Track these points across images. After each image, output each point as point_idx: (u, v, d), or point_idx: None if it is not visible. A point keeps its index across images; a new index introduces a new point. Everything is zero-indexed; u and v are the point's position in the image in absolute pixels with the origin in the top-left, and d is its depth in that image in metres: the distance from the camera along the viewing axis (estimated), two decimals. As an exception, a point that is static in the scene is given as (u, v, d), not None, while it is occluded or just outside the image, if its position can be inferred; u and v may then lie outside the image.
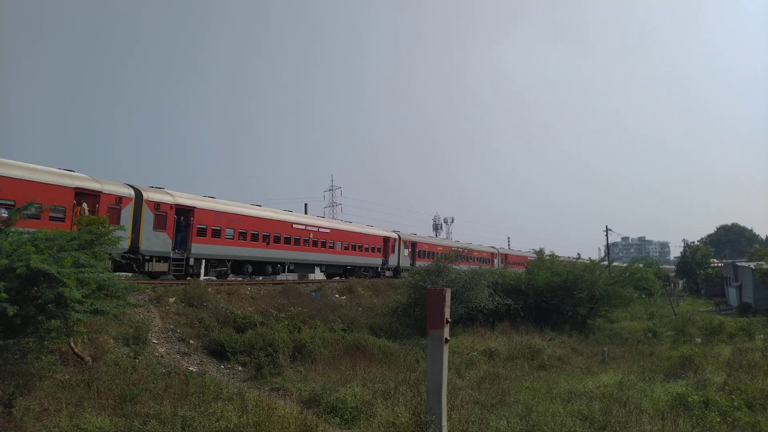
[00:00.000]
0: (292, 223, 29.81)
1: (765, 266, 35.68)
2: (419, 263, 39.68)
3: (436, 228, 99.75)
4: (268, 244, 27.51)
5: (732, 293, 44.06)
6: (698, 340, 22.15)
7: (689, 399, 10.61)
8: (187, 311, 16.60)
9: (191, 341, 14.91)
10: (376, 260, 38.32)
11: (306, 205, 55.08)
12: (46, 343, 10.05)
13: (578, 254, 33.47)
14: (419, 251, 43.23)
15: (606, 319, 28.69)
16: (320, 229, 32.38)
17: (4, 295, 7.99)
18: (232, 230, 25.30)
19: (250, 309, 18.70)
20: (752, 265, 39.56)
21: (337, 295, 25.44)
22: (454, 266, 23.89)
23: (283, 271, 29.35)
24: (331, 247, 33.02)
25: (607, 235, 65.17)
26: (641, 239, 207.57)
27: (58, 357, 10.72)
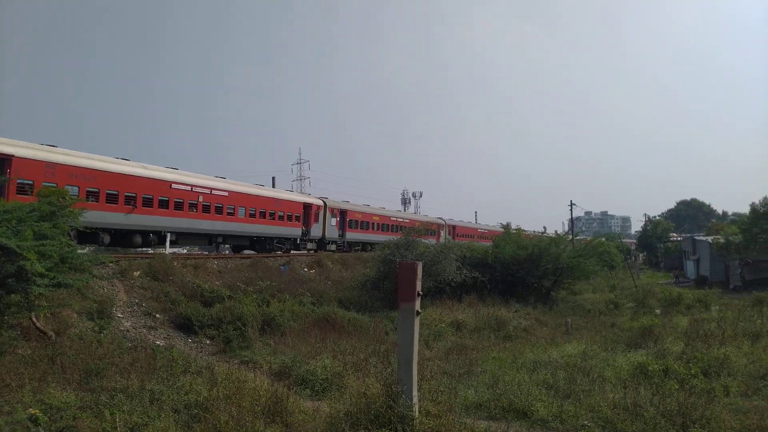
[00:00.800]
0: (171, 183, 23.69)
1: (721, 240, 37.01)
2: (352, 235, 37.99)
3: (405, 202, 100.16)
4: (134, 207, 21.48)
5: (690, 266, 45.62)
6: (658, 311, 22.89)
7: (649, 368, 10.96)
8: (153, 285, 16.33)
9: (157, 315, 14.71)
10: (294, 230, 32.50)
11: (273, 178, 54.41)
12: (6, 318, 9.76)
13: (544, 228, 34.12)
14: (351, 221, 38.02)
15: (569, 291, 29.43)
16: (213, 191, 25.96)
17: (-40, 268, 7.70)
18: (77, 189, 18.82)
19: (218, 283, 18.53)
20: (709, 239, 41.00)
21: (305, 269, 25.38)
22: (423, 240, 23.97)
23: (160, 243, 23.25)
24: (230, 214, 26.93)
25: (571, 210, 66.44)
26: (604, 214, 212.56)
27: (19, 332, 10.45)
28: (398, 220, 45.32)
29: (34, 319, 10.82)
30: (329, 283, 23.63)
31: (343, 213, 37.68)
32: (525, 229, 34.41)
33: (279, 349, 13.24)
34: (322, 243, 34.95)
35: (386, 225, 42.91)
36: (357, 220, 39.28)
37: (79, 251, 11.01)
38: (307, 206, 33.76)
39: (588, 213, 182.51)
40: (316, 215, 34.62)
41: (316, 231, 34.54)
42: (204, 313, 14.94)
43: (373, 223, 41.33)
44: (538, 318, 21.05)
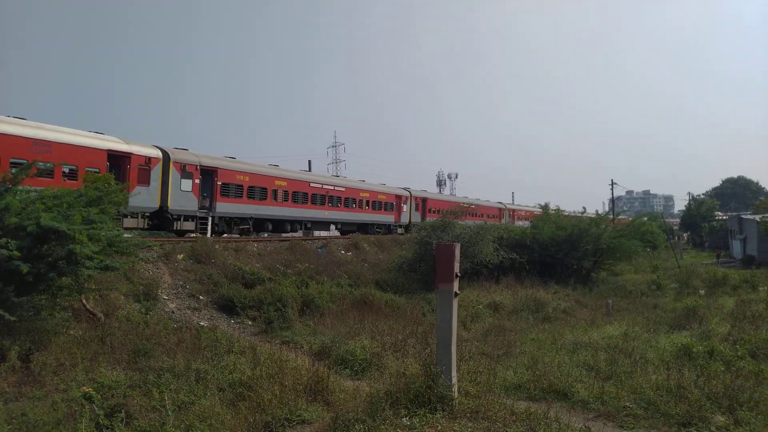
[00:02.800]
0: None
1: (770, 218, 35.64)
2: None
3: (440, 184, 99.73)
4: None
5: (736, 246, 44.18)
6: (702, 292, 22.30)
7: (694, 349, 10.72)
8: (196, 268, 16.75)
9: (201, 297, 15.10)
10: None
11: (309, 162, 54.89)
12: (58, 300, 10.17)
13: (584, 208, 33.39)
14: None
15: (610, 272, 28.88)
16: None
17: (16, 253, 8.04)
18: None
19: (258, 265, 18.85)
20: (757, 217, 39.51)
21: (342, 252, 25.59)
22: (460, 222, 24.00)
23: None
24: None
25: (612, 189, 64.84)
26: (646, 193, 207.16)
27: (71, 314, 10.88)
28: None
29: (84, 301, 11.26)
30: (366, 265, 23.77)
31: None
32: (564, 209, 33.82)
33: (318, 329, 13.45)
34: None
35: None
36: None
37: (126, 235, 11.34)
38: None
39: (629, 192, 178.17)
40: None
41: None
42: (245, 294, 15.26)
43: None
44: (577, 299, 20.76)
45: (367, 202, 36.06)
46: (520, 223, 48.14)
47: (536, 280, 22.94)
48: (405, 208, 39.88)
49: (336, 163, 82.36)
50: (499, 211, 55.03)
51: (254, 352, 9.89)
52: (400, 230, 38.17)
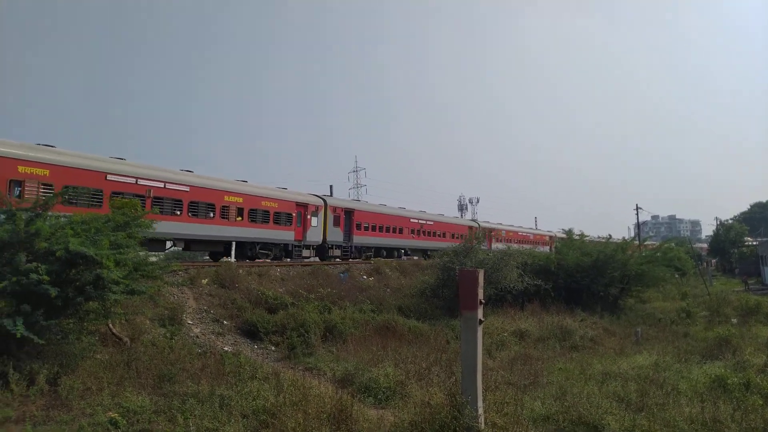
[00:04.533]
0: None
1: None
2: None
3: (461, 209, 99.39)
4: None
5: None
6: (734, 320, 21.67)
7: (729, 381, 10.38)
8: (220, 292, 16.84)
9: (225, 322, 15.15)
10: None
11: (331, 187, 55.13)
12: (85, 324, 10.28)
13: (609, 235, 32.83)
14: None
15: (638, 300, 28.27)
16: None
17: (45, 277, 8.18)
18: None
19: (281, 290, 18.90)
20: (790, 243, 38.45)
21: (365, 276, 25.53)
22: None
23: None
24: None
25: (637, 214, 63.91)
26: (671, 218, 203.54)
27: (97, 338, 10.97)
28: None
29: (110, 325, 11.36)
30: (388, 290, 23.66)
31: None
32: (588, 234, 33.33)
33: (341, 356, 13.36)
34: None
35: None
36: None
37: (151, 259, 11.48)
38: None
39: (655, 217, 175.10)
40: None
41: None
42: (268, 319, 15.27)
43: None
44: (605, 327, 20.31)
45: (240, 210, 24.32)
46: (499, 246, 40.20)
47: (562, 306, 22.54)
48: (315, 221, 29.42)
49: (357, 187, 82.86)
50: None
51: (278, 378, 9.85)
52: (306, 252, 28.93)
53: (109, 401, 8.05)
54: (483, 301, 7.36)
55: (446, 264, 21.73)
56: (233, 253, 25.36)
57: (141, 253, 10.84)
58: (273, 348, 14.31)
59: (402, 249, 38.30)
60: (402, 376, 10.60)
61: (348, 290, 21.01)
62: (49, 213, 9.88)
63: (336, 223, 30.96)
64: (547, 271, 25.03)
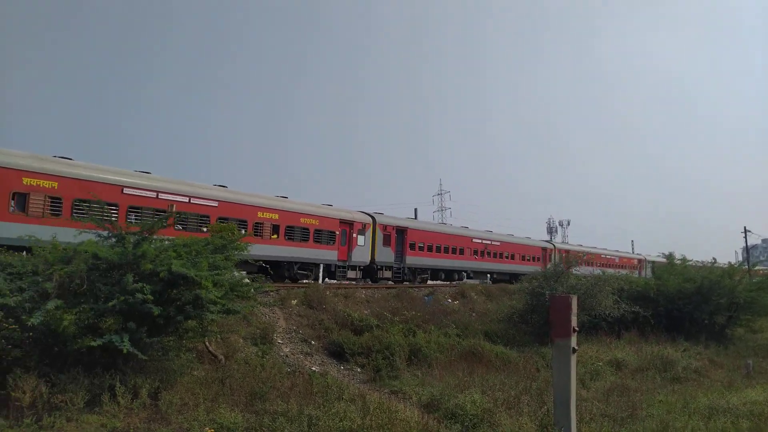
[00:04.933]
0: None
1: None
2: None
3: (551, 231, 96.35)
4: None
5: None
6: None
7: None
8: (308, 313, 17.26)
9: (312, 342, 15.47)
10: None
11: (416, 210, 55.51)
12: (184, 341, 10.84)
13: (714, 258, 30.55)
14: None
15: (748, 329, 25.97)
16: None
17: (150, 297, 8.71)
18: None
19: (366, 312, 19.08)
20: None
21: (449, 300, 25.27)
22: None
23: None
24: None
25: (745, 237, 59.41)
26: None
27: (194, 355, 11.52)
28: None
29: (207, 343, 11.91)
30: (474, 314, 23.25)
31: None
32: (690, 258, 31.20)
33: (426, 380, 13.22)
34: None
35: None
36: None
37: (246, 281, 11.96)
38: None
39: (766, 240, 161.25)
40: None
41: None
42: (354, 341, 15.43)
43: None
44: (711, 358, 18.85)
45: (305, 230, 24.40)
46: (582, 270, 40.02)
47: (662, 335, 21.18)
48: (362, 240, 27.65)
49: (441, 210, 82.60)
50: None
51: (364, 400, 9.88)
52: (351, 273, 27.18)
53: (204, 417, 8.40)
54: (576, 328, 7.06)
55: (535, 289, 21.05)
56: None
57: (236, 275, 11.33)
58: (359, 369, 14.41)
59: (463, 271, 35.54)
60: (490, 404, 10.31)
61: (432, 313, 20.86)
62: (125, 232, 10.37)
63: (386, 242, 28.89)
64: (646, 297, 23.67)
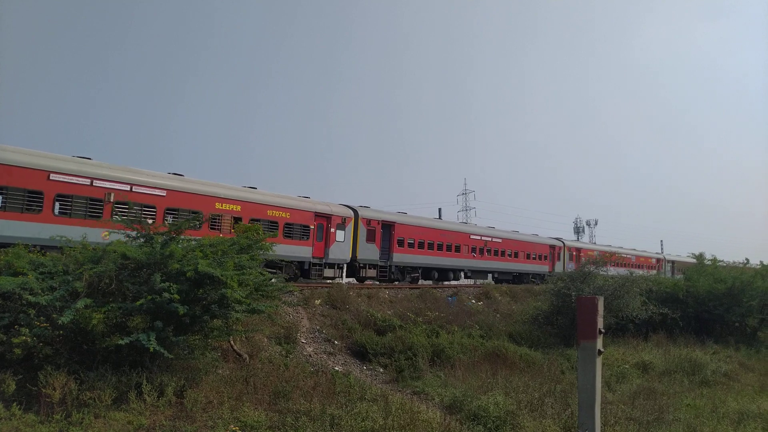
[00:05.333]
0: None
1: None
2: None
3: (578, 231, 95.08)
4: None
5: None
6: None
7: None
8: (332, 313, 17.33)
9: (336, 342, 15.53)
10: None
11: (440, 210, 55.38)
12: (209, 340, 10.98)
13: (746, 259, 29.83)
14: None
15: (782, 332, 25.37)
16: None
17: (176, 296, 8.86)
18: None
19: (389, 312, 19.08)
20: None
21: (473, 301, 25.13)
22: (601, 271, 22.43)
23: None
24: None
25: (779, 237, 57.63)
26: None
27: (219, 354, 11.68)
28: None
29: (232, 342, 12.06)
30: (498, 315, 23.09)
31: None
32: (721, 259, 30.51)
33: (449, 381, 13.17)
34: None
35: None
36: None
37: (272, 280, 12.06)
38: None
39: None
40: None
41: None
42: (377, 341, 15.45)
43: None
44: (741, 362, 18.44)
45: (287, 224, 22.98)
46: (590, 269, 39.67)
47: (691, 338, 20.82)
48: (341, 235, 25.27)
49: (466, 210, 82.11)
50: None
51: (386, 401, 9.90)
52: (329, 271, 24.85)
53: (228, 415, 8.51)
54: (603, 330, 6.94)
55: (561, 290, 20.82)
56: None
57: (261, 275, 11.44)
58: (381, 370, 14.43)
59: (460, 270, 32.88)
60: (513, 406, 10.25)
61: (456, 314, 20.76)
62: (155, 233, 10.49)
63: (370, 237, 26.36)
64: (675, 299, 23.26)
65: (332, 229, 24.55)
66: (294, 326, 15.03)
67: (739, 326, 23.82)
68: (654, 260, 51.89)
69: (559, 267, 39.67)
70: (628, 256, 50.02)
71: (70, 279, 9.10)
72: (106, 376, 8.74)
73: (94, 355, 9.38)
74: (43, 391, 8.09)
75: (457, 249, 32.06)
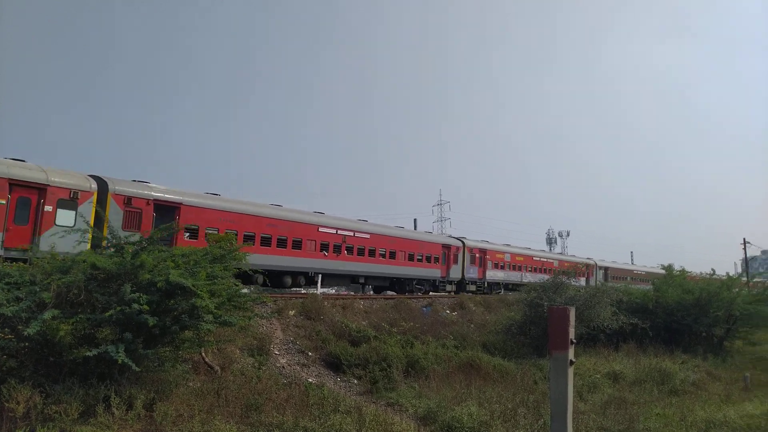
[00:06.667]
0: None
1: None
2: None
3: (550, 242, 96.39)
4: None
5: None
6: None
7: None
8: (306, 324, 17.20)
9: (309, 353, 15.41)
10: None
11: (415, 220, 55.56)
12: (180, 352, 10.79)
13: (712, 270, 30.57)
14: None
15: (747, 342, 25.97)
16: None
17: (145, 306, 8.70)
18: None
19: (364, 323, 19.02)
20: None
21: (448, 311, 25.23)
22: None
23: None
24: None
25: (744, 249, 59.39)
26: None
27: (190, 366, 11.48)
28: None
29: (203, 354, 11.87)
30: (472, 326, 23.20)
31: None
32: (689, 270, 31.18)
33: (423, 392, 13.18)
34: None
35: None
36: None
37: (243, 290, 11.93)
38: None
39: (765, 252, 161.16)
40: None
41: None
42: (351, 352, 15.37)
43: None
44: (709, 371, 18.84)
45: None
46: (497, 274, 37.64)
47: (660, 347, 21.18)
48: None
49: (441, 221, 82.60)
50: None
51: (360, 412, 9.83)
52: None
53: (199, 428, 8.35)
54: (574, 340, 7.03)
55: (534, 300, 21.03)
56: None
57: (234, 285, 11.31)
58: (355, 381, 14.36)
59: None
60: (486, 417, 10.28)
61: (430, 325, 20.81)
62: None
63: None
64: (645, 309, 23.68)
65: (452, 257, 34.47)
66: (267, 337, 14.87)
67: (707, 336, 24.33)
68: (583, 266, 47.17)
69: (456, 271, 34.27)
70: (550, 260, 45.61)
71: (38, 289, 8.87)
72: (73, 389, 8.51)
73: (61, 368, 9.13)
74: (6, 405, 7.84)
75: (297, 245, 24.43)
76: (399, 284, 31.07)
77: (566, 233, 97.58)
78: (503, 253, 39.63)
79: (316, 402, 10.52)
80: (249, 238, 21.71)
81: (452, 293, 33.00)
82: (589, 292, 21.49)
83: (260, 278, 20.96)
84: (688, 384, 16.07)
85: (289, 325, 16.77)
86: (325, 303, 19.45)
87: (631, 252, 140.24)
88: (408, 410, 11.66)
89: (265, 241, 23.03)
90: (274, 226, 23.38)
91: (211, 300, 9.58)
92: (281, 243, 23.64)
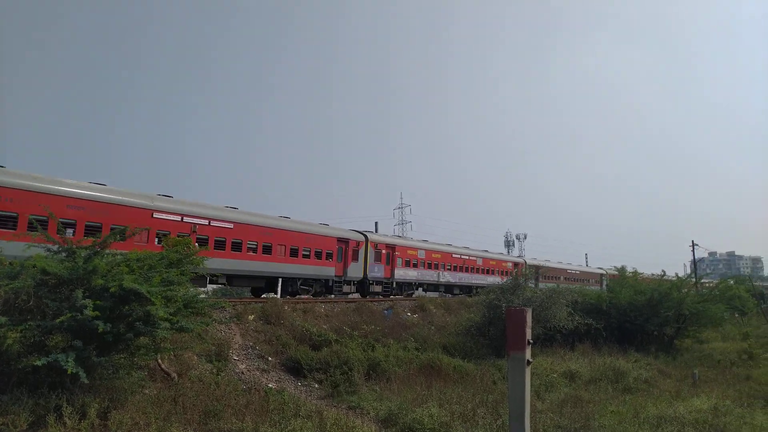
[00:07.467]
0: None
1: None
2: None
3: (508, 245, 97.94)
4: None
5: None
6: (803, 363, 20.38)
7: (798, 429, 9.73)
8: (266, 329, 16.99)
9: (270, 358, 15.23)
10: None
11: (376, 224, 55.61)
12: (135, 359, 10.51)
13: (663, 271, 31.65)
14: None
15: (695, 340, 27.03)
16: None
17: (95, 312, 8.43)
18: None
19: (325, 327, 18.93)
20: None
21: (409, 314, 25.34)
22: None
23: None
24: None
25: (693, 251, 61.49)
26: (730, 254, 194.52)
27: (146, 373, 11.20)
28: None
29: (159, 361, 11.59)
30: (432, 328, 23.36)
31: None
32: (641, 272, 32.18)
33: (384, 395, 13.19)
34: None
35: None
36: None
37: (201, 296, 11.72)
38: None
39: (712, 254, 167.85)
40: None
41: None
42: (312, 356, 15.28)
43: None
44: (660, 369, 19.51)
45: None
46: (409, 273, 33.42)
47: (614, 347, 21.81)
48: None
49: (402, 224, 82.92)
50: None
51: (321, 417, 9.80)
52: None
53: (155, 437, 8.16)
54: (531, 341, 7.19)
55: (492, 302, 21.35)
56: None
57: (191, 290, 11.10)
58: (316, 385, 14.27)
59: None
60: (447, 418, 10.39)
61: (392, 327, 20.85)
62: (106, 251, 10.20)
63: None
64: (599, 310, 24.32)
65: (350, 252, 29.86)
66: (226, 343, 14.63)
67: (658, 335, 25.16)
68: (510, 264, 45.67)
69: (356, 270, 29.35)
70: (472, 258, 41.44)
71: (-18, 296, 8.52)
72: (22, 399, 8.20)
73: (9, 377, 8.78)
74: (-51, 417, 7.50)
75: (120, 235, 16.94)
76: (283, 284, 26.02)
77: (524, 236, 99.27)
78: (416, 249, 35.31)
79: (276, 407, 10.41)
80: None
81: (350, 294, 29.04)
82: (545, 294, 21.95)
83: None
84: (641, 382, 16.59)
85: (249, 330, 16.54)
86: (286, 307, 19.26)
87: (586, 254, 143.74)
88: (369, 413, 11.66)
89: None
90: (81, 208, 17.22)
91: (165, 307, 9.36)
92: (90, 231, 16.68)
